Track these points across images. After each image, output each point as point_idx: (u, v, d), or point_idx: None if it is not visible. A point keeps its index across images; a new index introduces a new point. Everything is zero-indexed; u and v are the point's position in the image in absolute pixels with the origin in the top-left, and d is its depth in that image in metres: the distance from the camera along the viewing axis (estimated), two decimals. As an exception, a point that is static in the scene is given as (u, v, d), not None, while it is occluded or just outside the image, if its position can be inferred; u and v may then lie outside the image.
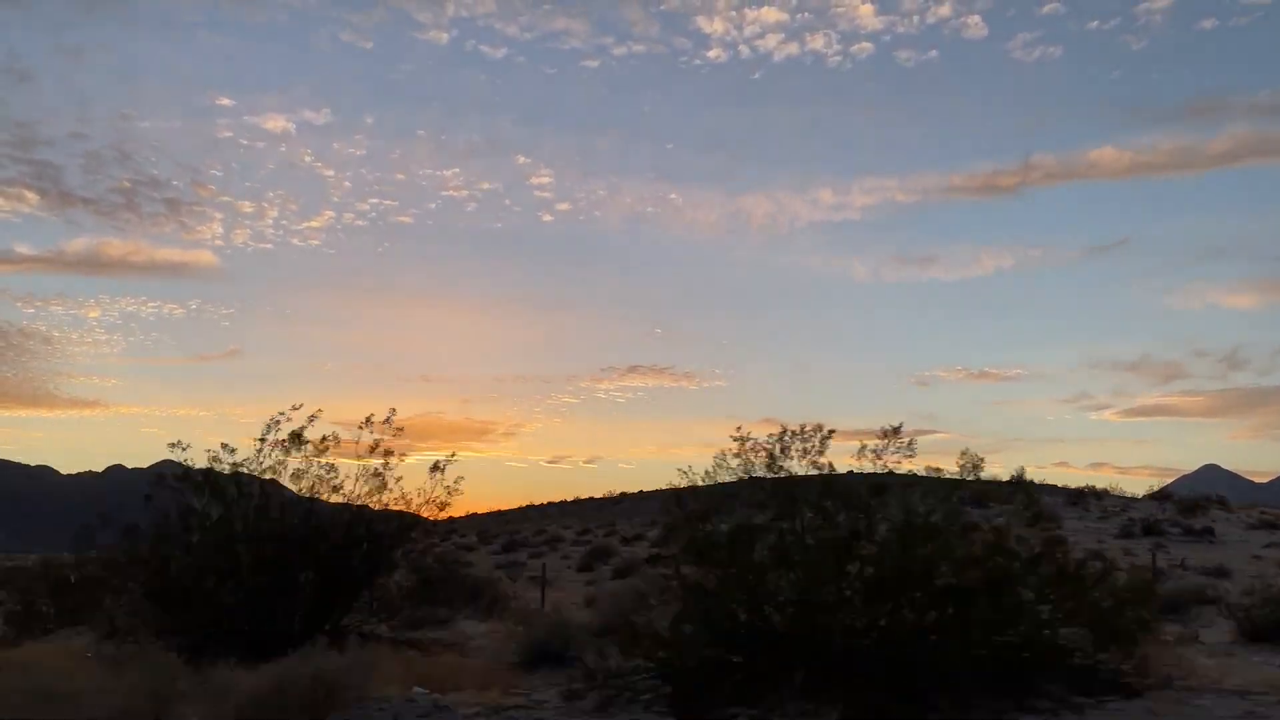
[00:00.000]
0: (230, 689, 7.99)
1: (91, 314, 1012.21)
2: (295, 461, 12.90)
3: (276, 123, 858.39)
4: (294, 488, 13.20)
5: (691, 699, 7.09)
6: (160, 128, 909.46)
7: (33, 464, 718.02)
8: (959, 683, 6.70)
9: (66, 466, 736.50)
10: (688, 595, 7.55)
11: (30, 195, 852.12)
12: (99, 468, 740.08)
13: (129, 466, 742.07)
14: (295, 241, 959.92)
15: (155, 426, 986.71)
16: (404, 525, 13.37)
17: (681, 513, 8.26)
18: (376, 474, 13.28)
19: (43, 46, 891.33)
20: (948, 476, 8.42)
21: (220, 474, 12.89)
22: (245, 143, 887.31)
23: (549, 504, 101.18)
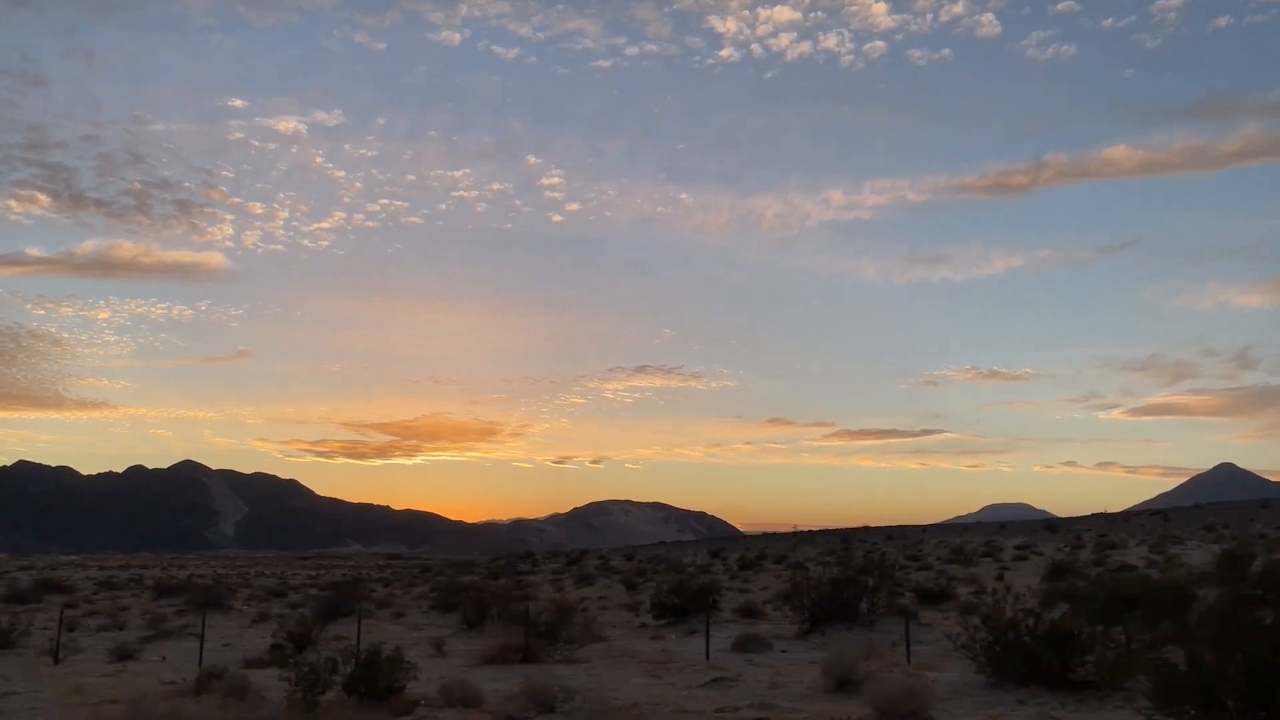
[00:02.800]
0: None
1: (101, 316, 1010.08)
2: None
3: (288, 124, 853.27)
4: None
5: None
6: (172, 130, 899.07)
7: (53, 465, 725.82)
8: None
9: (85, 467, 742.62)
10: None
11: (42, 197, 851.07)
12: (119, 468, 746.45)
13: (149, 467, 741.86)
14: (305, 243, 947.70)
15: (164, 428, 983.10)
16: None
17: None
18: None
19: (55, 50, 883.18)
20: None
21: None
22: (257, 144, 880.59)
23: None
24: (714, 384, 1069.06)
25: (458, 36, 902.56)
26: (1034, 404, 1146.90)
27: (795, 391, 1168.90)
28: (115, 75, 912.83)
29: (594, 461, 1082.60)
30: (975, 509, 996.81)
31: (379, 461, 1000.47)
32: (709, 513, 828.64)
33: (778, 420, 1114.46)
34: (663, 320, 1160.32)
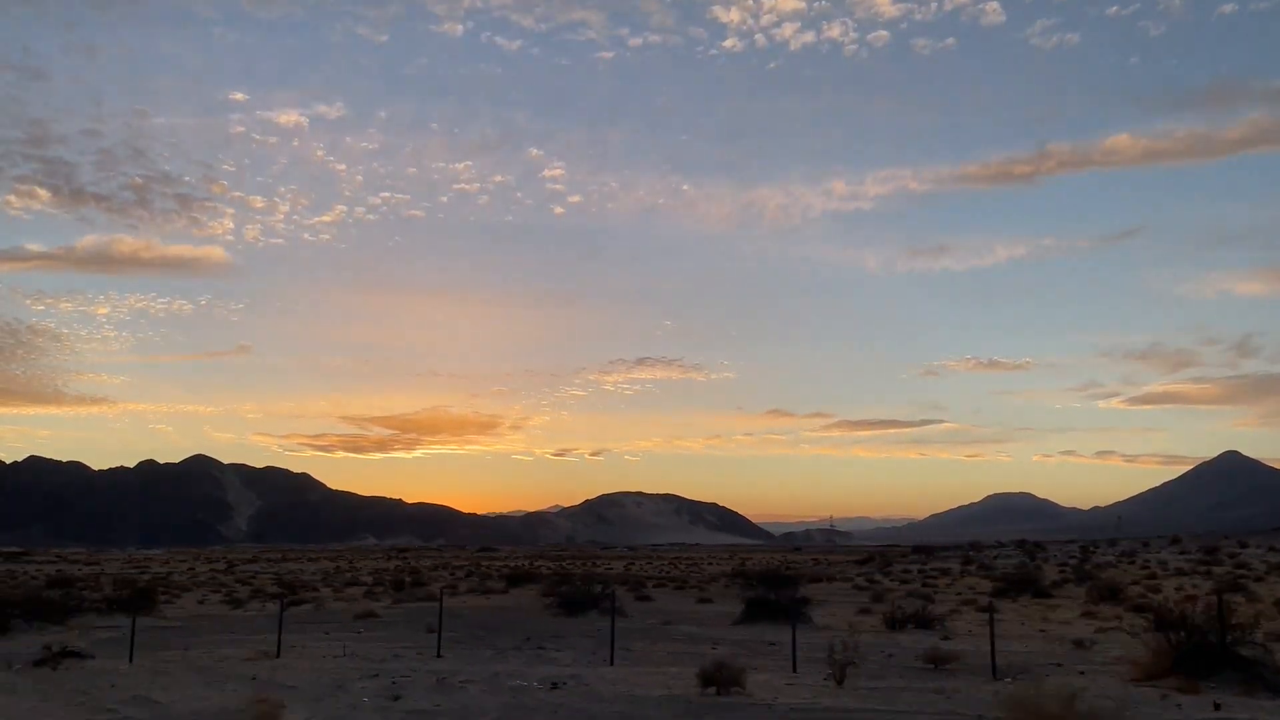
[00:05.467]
0: None
1: (101, 311, 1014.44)
2: None
3: (289, 117, 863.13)
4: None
5: None
6: (173, 124, 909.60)
7: (64, 460, 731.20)
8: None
9: (89, 462, 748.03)
10: None
11: (42, 192, 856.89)
12: (123, 463, 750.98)
13: (160, 462, 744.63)
14: (306, 237, 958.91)
15: (164, 423, 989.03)
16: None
17: None
18: None
19: (56, 44, 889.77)
20: None
21: None
22: (258, 138, 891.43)
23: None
24: (714, 376, 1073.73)
25: (460, 28, 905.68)
26: (1034, 393, 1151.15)
27: (795, 382, 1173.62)
28: (116, 69, 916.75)
29: (594, 454, 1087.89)
30: (978, 499, 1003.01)
31: (378, 455, 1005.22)
32: (720, 504, 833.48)
33: (778, 411, 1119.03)
34: (664, 312, 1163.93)
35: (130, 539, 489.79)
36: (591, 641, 23.34)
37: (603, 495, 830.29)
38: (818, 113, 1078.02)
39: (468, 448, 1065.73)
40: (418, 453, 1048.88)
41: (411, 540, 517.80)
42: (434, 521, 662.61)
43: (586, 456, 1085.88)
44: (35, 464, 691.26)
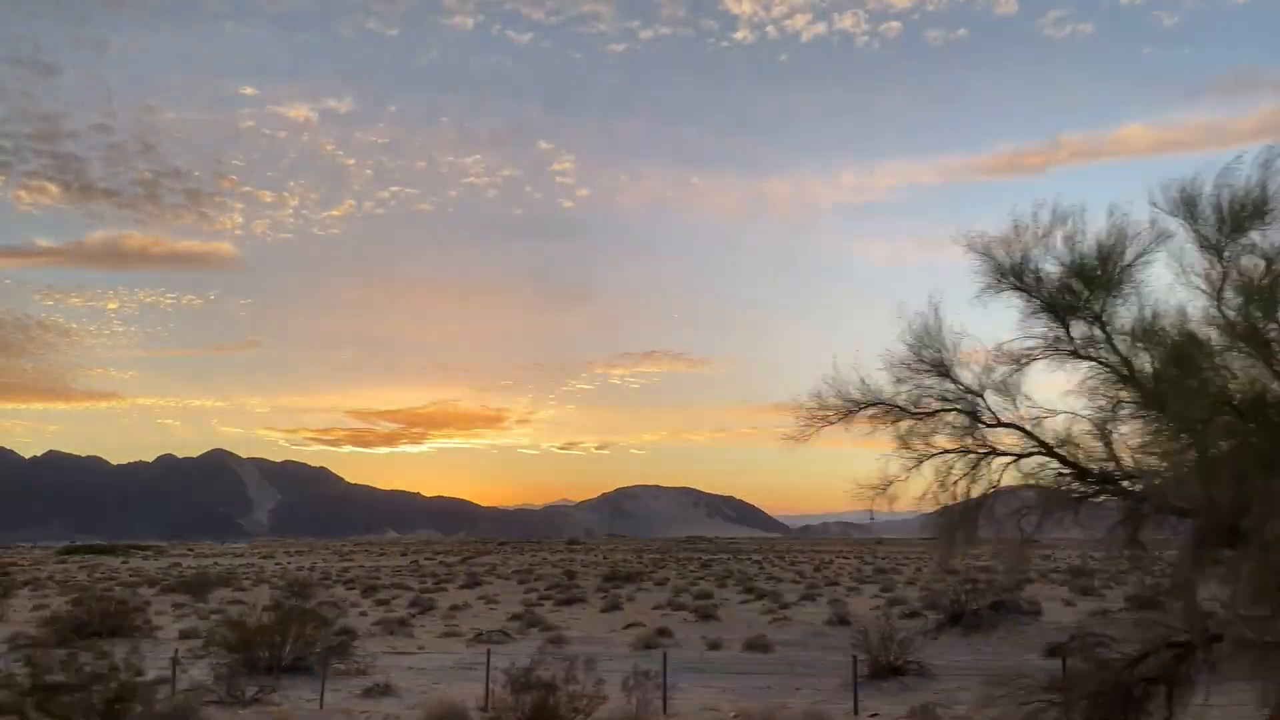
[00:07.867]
0: None
1: (110, 306, 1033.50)
2: None
3: (299, 111, 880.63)
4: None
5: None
6: (183, 119, 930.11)
7: (83, 455, 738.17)
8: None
9: (111, 457, 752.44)
10: None
11: (52, 188, 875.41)
12: (149, 457, 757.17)
13: (179, 456, 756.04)
14: (315, 231, 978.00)
15: (173, 418, 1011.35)
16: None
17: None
18: None
19: (67, 39, 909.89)
20: None
21: None
22: (267, 132, 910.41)
23: None
24: (721, 368, 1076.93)
25: (471, 21, 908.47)
26: (1041, 385, 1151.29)
27: (802, 376, 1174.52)
28: (127, 64, 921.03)
29: (599, 447, 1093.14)
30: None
31: (385, 450, 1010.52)
32: (738, 497, 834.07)
33: (784, 406, 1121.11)
34: (672, 304, 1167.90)
35: (151, 532, 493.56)
36: None
37: (620, 489, 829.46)
38: (828, 104, 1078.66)
39: (473, 441, 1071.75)
40: (424, 446, 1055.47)
41: (432, 534, 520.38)
42: (454, 515, 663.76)
43: (592, 449, 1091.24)
44: (54, 459, 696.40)
